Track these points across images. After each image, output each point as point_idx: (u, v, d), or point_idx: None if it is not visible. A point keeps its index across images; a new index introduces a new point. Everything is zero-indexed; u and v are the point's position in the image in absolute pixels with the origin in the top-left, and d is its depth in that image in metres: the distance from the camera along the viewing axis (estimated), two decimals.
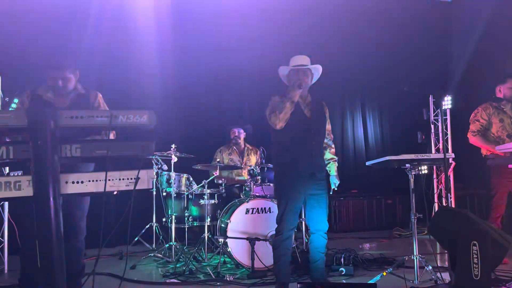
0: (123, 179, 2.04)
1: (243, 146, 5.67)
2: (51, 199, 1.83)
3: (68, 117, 1.92)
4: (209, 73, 6.66)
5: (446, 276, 3.40)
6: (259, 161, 5.49)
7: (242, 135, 5.67)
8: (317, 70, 3.38)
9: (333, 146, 3.52)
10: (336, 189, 3.55)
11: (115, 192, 2.05)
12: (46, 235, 1.85)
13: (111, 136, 2.88)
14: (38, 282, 1.88)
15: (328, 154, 3.47)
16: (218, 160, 5.35)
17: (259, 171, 4.50)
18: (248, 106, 6.97)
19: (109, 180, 2.00)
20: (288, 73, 3.36)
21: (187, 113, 6.50)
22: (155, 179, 4.97)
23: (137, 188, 2.05)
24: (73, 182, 1.95)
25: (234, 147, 5.62)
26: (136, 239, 5.15)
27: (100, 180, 1.99)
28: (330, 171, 3.50)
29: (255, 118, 6.70)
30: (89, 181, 1.98)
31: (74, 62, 3.09)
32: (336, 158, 3.52)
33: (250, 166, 4.73)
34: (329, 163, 3.48)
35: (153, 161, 4.81)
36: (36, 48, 5.04)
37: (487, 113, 4.40)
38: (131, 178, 2.05)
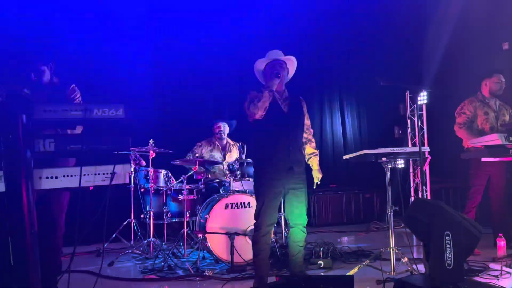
0: (98, 174, 2.02)
1: (225, 141, 5.63)
2: (24, 194, 1.79)
3: (41, 110, 1.89)
4: (188, 68, 6.63)
5: (422, 268, 3.47)
6: (238, 156, 5.48)
7: (227, 129, 5.61)
8: (292, 62, 3.39)
9: (313, 140, 3.53)
10: (319, 183, 3.57)
11: (90, 188, 2.02)
12: (19, 232, 1.81)
13: (79, 130, 2.84)
14: (13, 280, 1.84)
15: (309, 149, 3.49)
16: (197, 155, 5.32)
17: (238, 166, 4.50)
18: (228, 102, 6.96)
19: (84, 175, 1.97)
20: (264, 68, 3.36)
21: (165, 108, 6.45)
22: (133, 175, 4.92)
23: (113, 183, 2.02)
24: (47, 178, 1.91)
25: (217, 143, 5.56)
26: (113, 235, 5.09)
27: (75, 175, 1.96)
28: (312, 165, 3.52)
29: (235, 114, 6.70)
30: (64, 176, 1.95)
31: (47, 53, 3.02)
32: (317, 152, 3.54)
33: (231, 161, 4.72)
34: (310, 157, 3.49)
35: (130, 157, 4.76)
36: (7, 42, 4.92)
37: (473, 105, 4.52)
38: (107, 173, 2.03)
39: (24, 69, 2.91)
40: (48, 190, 1.93)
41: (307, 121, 3.48)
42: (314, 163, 3.52)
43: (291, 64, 3.39)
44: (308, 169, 3.47)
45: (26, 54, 2.94)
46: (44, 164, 1.91)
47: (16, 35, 4.99)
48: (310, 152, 3.50)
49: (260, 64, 3.37)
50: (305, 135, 3.45)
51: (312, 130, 3.55)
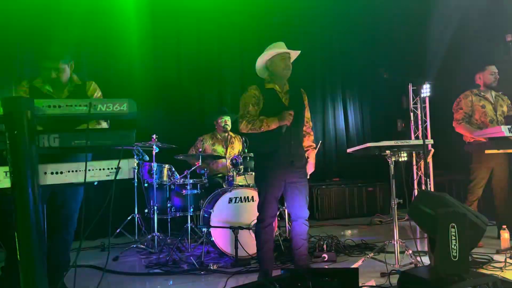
0: (103, 169, 2.02)
1: (227, 135, 5.63)
2: (30, 190, 1.79)
3: (46, 106, 1.89)
4: (190, 62, 6.62)
5: (426, 260, 3.49)
6: (240, 149, 5.48)
7: (229, 122, 5.60)
8: (296, 54, 3.40)
9: (312, 133, 3.53)
10: (308, 177, 3.54)
11: (95, 183, 2.03)
12: (25, 227, 1.81)
13: (105, 125, 2.87)
14: (20, 276, 1.85)
15: (307, 142, 3.49)
16: (200, 149, 5.33)
17: (241, 160, 4.50)
18: (229, 95, 6.95)
19: (89, 170, 1.97)
20: (271, 59, 3.31)
21: (168, 103, 6.45)
22: (136, 170, 4.92)
23: (118, 178, 2.03)
24: (52, 173, 1.91)
25: (219, 136, 5.57)
26: (118, 230, 5.11)
27: (80, 171, 1.96)
28: (308, 158, 3.51)
29: (237, 108, 6.70)
30: (69, 171, 1.95)
31: (69, 52, 3.07)
32: (314, 145, 3.54)
33: (234, 155, 4.72)
34: (307, 150, 3.49)
35: (134, 152, 4.76)
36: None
37: (468, 100, 4.50)
38: (112, 168, 2.03)
39: (45, 66, 2.94)
40: (64, 186, 1.94)
41: (307, 114, 3.47)
42: (311, 156, 3.52)
43: (294, 56, 3.39)
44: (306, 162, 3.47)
45: (48, 52, 2.97)
46: (68, 158, 1.94)
47: (39, 33, 5.05)
48: (308, 145, 3.50)
49: (267, 57, 3.33)
50: (304, 127, 3.44)
51: (311, 123, 3.54)
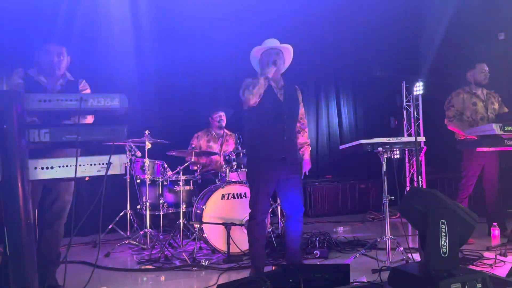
0: (94, 164, 2.01)
1: (222, 132, 5.60)
2: (19, 185, 1.78)
3: (36, 100, 1.87)
4: (184, 57, 6.59)
5: (417, 257, 3.51)
6: (234, 146, 5.47)
7: (224, 118, 5.57)
8: (289, 51, 3.36)
9: (306, 130, 3.52)
10: (307, 173, 3.56)
11: (86, 178, 2.02)
12: (15, 223, 1.80)
13: (89, 120, 2.87)
14: (9, 271, 1.84)
15: (302, 139, 3.48)
16: (193, 145, 5.32)
17: (234, 157, 4.49)
18: (224, 91, 6.94)
19: (80, 165, 1.96)
20: (260, 56, 3.34)
21: (161, 98, 6.43)
22: (128, 166, 4.91)
23: (109, 173, 2.02)
24: (42, 168, 1.90)
25: (214, 133, 5.54)
26: (110, 226, 5.09)
27: (70, 166, 1.95)
28: (303, 155, 3.52)
29: (231, 104, 6.70)
30: (59, 166, 1.94)
31: (66, 48, 3.12)
32: (309, 142, 3.53)
33: (227, 152, 4.71)
34: (302, 147, 3.49)
35: (126, 148, 4.74)
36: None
37: (460, 97, 4.53)
38: (103, 164, 2.02)
39: (49, 49, 3.00)
40: (56, 180, 1.94)
41: (301, 110, 3.46)
42: (305, 153, 3.51)
43: (288, 53, 3.36)
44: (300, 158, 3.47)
45: (53, 37, 3.02)
46: (57, 153, 1.93)
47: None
48: (303, 142, 3.49)
49: (256, 52, 3.34)
50: (298, 124, 3.43)
51: (306, 120, 3.53)
